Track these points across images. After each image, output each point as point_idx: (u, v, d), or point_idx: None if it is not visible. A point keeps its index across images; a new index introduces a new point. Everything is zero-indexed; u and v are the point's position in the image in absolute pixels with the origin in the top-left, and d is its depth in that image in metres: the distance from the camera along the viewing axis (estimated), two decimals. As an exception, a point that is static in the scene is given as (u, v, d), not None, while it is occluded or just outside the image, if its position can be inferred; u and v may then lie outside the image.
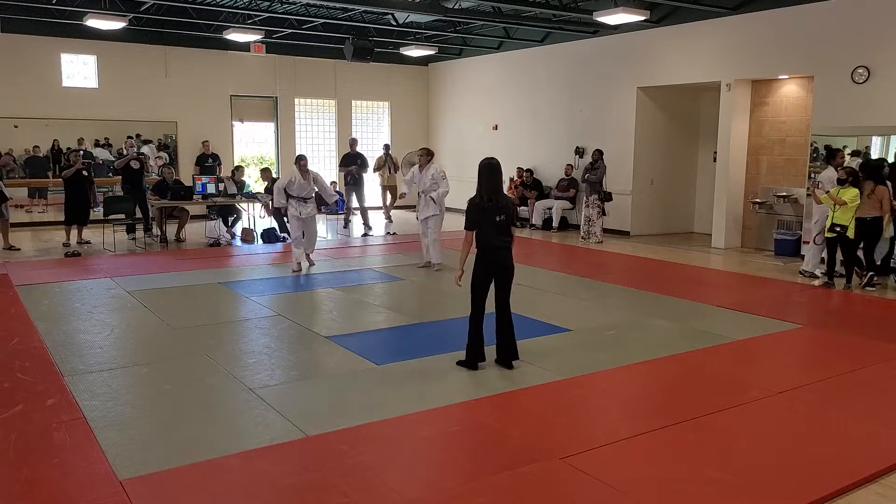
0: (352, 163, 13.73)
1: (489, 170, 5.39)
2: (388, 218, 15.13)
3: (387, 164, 14.89)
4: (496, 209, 5.31)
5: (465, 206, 5.53)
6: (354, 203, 13.90)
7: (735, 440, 4.20)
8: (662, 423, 4.40)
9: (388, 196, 15.21)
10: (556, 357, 5.74)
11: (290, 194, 9.39)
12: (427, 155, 9.65)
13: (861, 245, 8.58)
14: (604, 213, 12.70)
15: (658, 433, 4.25)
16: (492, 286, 5.41)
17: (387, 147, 15.34)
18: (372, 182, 15.04)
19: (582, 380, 5.24)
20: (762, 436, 4.27)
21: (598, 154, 12.56)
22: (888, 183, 8.60)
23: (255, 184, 16.17)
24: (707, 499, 3.49)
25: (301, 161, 9.54)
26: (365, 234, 13.27)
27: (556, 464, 3.82)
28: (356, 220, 14.03)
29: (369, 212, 14.02)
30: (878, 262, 8.76)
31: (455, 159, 17.66)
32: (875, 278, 8.55)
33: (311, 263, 9.82)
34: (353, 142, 14.32)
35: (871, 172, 8.57)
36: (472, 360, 5.44)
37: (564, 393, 4.99)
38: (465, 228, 5.42)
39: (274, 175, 13.73)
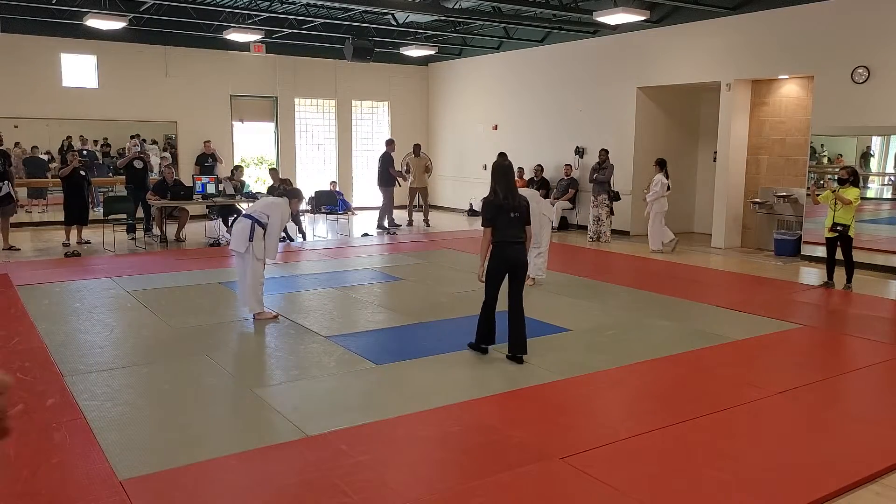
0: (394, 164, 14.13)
1: (503, 170, 5.65)
2: (410, 222, 15.00)
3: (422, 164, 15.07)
4: (511, 207, 5.53)
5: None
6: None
7: (735, 440, 4.20)
8: (662, 423, 4.40)
9: (419, 198, 15.18)
10: (556, 357, 5.74)
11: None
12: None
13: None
14: (612, 213, 12.71)
15: (658, 433, 4.25)
16: (505, 281, 5.60)
17: (418, 147, 15.43)
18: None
19: (582, 380, 5.24)
20: (762, 436, 4.28)
21: (605, 153, 12.56)
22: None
23: (255, 184, 16.16)
24: (707, 499, 3.49)
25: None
26: (393, 233, 13.50)
27: (556, 464, 3.81)
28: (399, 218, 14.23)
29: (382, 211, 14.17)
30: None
31: (455, 159, 17.68)
32: None
33: (257, 318, 6.82)
34: (392, 143, 14.44)
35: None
36: (481, 344, 5.70)
37: (564, 393, 4.99)
38: (482, 226, 5.60)
39: (282, 176, 13.66)
